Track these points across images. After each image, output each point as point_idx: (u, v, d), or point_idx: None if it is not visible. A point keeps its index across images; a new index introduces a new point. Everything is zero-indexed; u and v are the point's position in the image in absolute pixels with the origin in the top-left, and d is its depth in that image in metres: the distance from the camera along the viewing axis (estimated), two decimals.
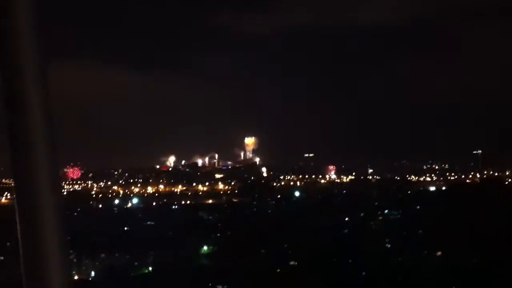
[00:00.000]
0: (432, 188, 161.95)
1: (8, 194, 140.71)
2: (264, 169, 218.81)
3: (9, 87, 2.53)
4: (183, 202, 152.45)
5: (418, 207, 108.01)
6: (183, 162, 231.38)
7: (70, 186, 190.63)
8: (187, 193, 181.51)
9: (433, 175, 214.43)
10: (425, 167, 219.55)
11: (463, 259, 64.71)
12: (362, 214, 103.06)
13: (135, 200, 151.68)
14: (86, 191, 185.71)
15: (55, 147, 2.60)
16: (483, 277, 58.86)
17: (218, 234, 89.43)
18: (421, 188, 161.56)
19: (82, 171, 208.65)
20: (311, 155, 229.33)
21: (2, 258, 65.38)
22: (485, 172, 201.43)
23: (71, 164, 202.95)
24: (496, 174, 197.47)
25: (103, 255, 76.54)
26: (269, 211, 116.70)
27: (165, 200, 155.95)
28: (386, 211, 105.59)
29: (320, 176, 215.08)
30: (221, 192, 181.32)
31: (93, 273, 73.74)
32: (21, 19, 2.51)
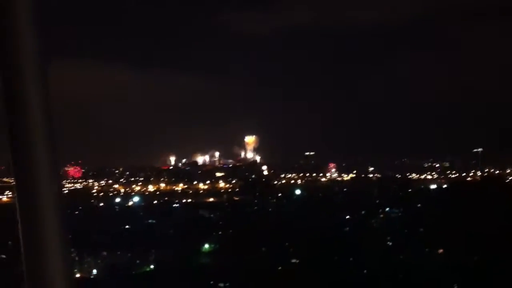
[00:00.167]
0: (433, 186, 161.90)
1: (9, 193, 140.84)
2: (265, 168, 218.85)
3: (9, 87, 2.52)
4: (184, 201, 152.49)
5: (419, 205, 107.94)
6: (184, 160, 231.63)
7: (72, 185, 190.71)
8: (188, 192, 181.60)
9: (434, 173, 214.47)
10: (426, 165, 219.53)
11: (464, 257, 64.71)
12: (363, 212, 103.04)
13: (136, 199, 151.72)
14: (87, 189, 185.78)
15: (56, 146, 2.60)
16: (484, 274, 58.85)
17: (219, 232, 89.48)
18: (422, 186, 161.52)
19: (83, 170, 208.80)
20: (311, 153, 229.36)
21: (4, 256, 65.49)
22: (486, 170, 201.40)
23: (72, 162, 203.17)
24: (497, 172, 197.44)
25: (104, 253, 76.65)
26: (270, 209, 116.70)
27: (166, 199, 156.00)
28: (387, 209, 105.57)
29: (321, 174, 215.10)
30: (222, 191, 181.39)
31: (95, 271, 73.87)
32: (21, 19, 2.51)
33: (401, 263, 67.11)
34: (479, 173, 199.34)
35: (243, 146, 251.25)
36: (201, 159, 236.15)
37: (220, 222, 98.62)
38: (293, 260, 70.79)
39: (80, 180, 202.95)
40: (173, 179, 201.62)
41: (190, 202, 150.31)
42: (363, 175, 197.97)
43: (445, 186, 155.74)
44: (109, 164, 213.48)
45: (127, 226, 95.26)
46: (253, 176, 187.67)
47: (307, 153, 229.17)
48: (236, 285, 61.91)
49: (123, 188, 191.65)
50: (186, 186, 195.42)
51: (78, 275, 67.23)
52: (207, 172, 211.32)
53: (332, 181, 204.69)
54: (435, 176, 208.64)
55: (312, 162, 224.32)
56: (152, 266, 74.33)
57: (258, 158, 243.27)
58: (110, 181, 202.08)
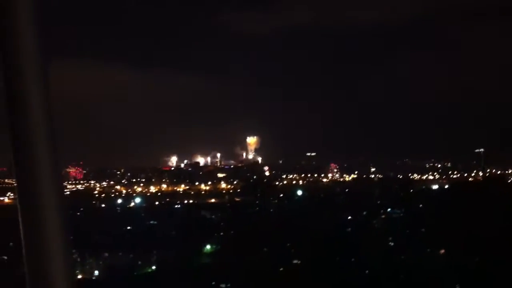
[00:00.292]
0: (435, 187, 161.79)
1: (11, 194, 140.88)
2: (266, 168, 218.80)
3: (10, 87, 2.52)
4: (185, 202, 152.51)
5: (420, 205, 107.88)
6: (185, 161, 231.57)
7: (73, 186, 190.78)
8: (190, 193, 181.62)
9: (435, 173, 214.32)
10: (427, 166, 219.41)
11: (466, 257, 64.63)
12: (364, 213, 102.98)
13: (137, 200, 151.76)
14: (89, 190, 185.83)
15: (57, 146, 2.59)
16: (485, 275, 58.79)
17: (221, 233, 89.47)
18: (424, 187, 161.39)
19: (85, 171, 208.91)
20: (313, 154, 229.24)
21: (5, 257, 65.51)
22: (488, 171, 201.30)
23: (73, 163, 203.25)
24: (499, 172, 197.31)
25: (106, 254, 76.65)
26: (272, 210, 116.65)
27: (167, 200, 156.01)
28: (388, 209, 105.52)
29: (322, 175, 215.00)
30: (224, 191, 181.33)
31: (96, 272, 73.86)
32: (21, 19, 2.51)
33: (402, 263, 67.05)
34: (481, 174, 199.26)
35: (244, 147, 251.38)
36: (202, 160, 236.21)
37: (222, 223, 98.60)
38: (295, 261, 70.76)
39: (82, 181, 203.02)
40: (175, 180, 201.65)
41: (191, 203, 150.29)
42: (364, 176, 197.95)
43: (446, 186, 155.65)
44: (111, 165, 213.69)
45: (128, 227, 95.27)
46: (255, 177, 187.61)
47: (309, 154, 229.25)
48: (238, 285, 61.90)
49: (125, 189, 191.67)
50: (187, 187, 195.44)
51: (79, 276, 67.27)
52: (208, 173, 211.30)
53: (333, 181, 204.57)
54: (437, 176, 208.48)
55: (314, 162, 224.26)
56: (153, 267, 74.33)
57: (259, 159, 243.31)
58: (112, 182, 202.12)
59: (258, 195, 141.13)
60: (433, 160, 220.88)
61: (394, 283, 60.51)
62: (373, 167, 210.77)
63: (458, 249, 67.79)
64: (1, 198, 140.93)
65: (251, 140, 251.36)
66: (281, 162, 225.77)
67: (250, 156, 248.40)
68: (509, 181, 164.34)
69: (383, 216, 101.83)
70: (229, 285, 62.83)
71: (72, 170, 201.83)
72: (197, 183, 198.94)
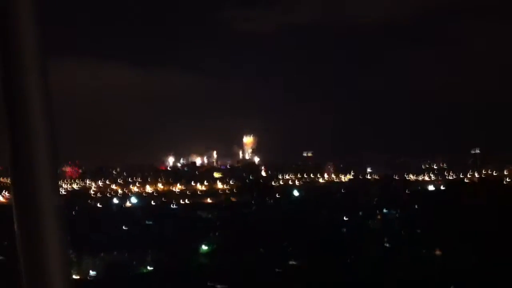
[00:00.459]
0: (431, 187, 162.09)
1: (6, 193, 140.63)
2: (262, 168, 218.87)
3: (9, 87, 2.51)
4: (182, 201, 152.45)
5: (416, 206, 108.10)
6: (181, 161, 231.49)
7: (69, 185, 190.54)
8: (186, 192, 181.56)
9: (431, 174, 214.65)
10: (423, 167, 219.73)
11: (461, 258, 64.76)
12: (360, 213, 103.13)
13: (134, 199, 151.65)
14: (85, 190, 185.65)
15: (55, 146, 2.58)
16: (481, 276, 58.91)
17: (217, 233, 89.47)
18: (419, 187, 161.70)
19: (81, 170, 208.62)
20: (309, 154, 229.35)
21: (1, 257, 65.40)
22: (484, 172, 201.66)
23: (70, 162, 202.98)
24: (495, 173, 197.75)
25: (102, 254, 76.54)
26: (268, 210, 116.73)
27: (164, 199, 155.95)
28: (384, 210, 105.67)
29: (319, 175, 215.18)
30: (220, 191, 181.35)
31: (92, 272, 73.76)
32: (22, 19, 2.50)
33: (398, 264, 67.13)
34: (477, 175, 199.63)
35: (241, 146, 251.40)
36: (199, 159, 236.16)
37: (218, 223, 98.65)
38: (291, 262, 70.80)
39: (78, 181, 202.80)
40: (171, 179, 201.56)
41: (188, 203, 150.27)
42: (361, 176, 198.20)
43: (442, 187, 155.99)
44: (107, 164, 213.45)
45: (124, 227, 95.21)
46: (251, 177, 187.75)
47: (305, 154, 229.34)
48: (234, 286, 61.88)
49: (121, 189, 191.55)
50: (184, 187, 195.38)
51: (75, 276, 67.18)
52: (205, 172, 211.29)
53: (330, 182, 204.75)
54: (433, 177, 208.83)
55: (310, 163, 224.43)
56: (150, 267, 74.26)
57: (256, 159, 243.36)
58: (108, 182, 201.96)
59: (255, 195, 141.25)
60: (429, 161, 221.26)
61: (389, 283, 60.58)
62: (370, 168, 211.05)
63: (453, 249, 67.94)
64: None
65: (248, 140, 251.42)
66: (277, 162, 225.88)
67: (247, 156, 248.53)
68: (504, 182, 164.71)
69: (379, 217, 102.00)
70: (225, 286, 62.80)
71: (68, 169, 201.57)
72: (193, 183, 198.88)
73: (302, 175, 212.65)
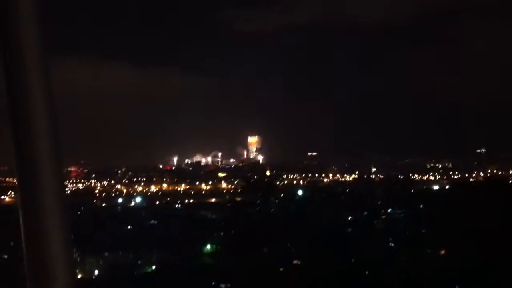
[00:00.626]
0: (436, 187, 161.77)
1: (12, 193, 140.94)
2: (267, 168, 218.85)
3: (12, 87, 2.51)
4: (186, 201, 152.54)
5: (421, 206, 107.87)
6: (186, 161, 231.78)
7: (74, 185, 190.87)
8: (190, 192, 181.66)
9: (436, 174, 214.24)
10: (428, 166, 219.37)
11: (467, 258, 64.59)
12: (365, 213, 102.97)
13: (138, 199, 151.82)
14: (90, 190, 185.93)
15: (59, 146, 2.59)
16: (487, 276, 58.75)
17: (221, 233, 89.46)
18: (425, 187, 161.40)
19: (86, 170, 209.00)
20: (314, 153, 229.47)
21: (5, 257, 65.55)
22: (489, 171, 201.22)
23: (75, 163, 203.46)
24: (500, 173, 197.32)
25: (106, 253, 76.63)
26: (272, 210, 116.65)
27: (168, 199, 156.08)
28: (389, 210, 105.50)
29: (323, 175, 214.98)
30: (224, 191, 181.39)
31: (96, 272, 73.86)
32: (23, 19, 2.50)
33: (403, 263, 67.04)
34: (482, 174, 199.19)
35: (245, 146, 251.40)
36: (203, 159, 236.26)
37: (222, 223, 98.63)
38: (295, 261, 70.76)
39: (82, 181, 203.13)
40: (176, 179, 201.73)
41: (192, 202, 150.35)
42: (365, 176, 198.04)
43: (447, 187, 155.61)
44: (111, 164, 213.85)
45: (129, 227, 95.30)
46: (256, 176, 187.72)
47: (310, 154, 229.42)
48: (238, 285, 61.90)
49: (125, 189, 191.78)
50: (188, 186, 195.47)
51: (80, 276, 67.29)
52: (209, 172, 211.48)
53: (334, 181, 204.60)
54: (438, 177, 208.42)
55: (315, 162, 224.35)
56: (154, 267, 74.33)
57: (260, 159, 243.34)
58: (113, 182, 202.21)
59: (259, 195, 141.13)
60: (434, 160, 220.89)
61: (394, 283, 60.47)
62: (374, 167, 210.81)
63: (459, 250, 67.77)
64: (2, 197, 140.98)
65: (252, 140, 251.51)
66: (282, 161, 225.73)
67: (251, 156, 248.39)
68: (510, 181, 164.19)
69: (383, 217, 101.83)
70: (229, 285, 62.84)
71: (73, 169, 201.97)
72: (197, 183, 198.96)
73: (307, 175, 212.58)
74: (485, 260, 63.19)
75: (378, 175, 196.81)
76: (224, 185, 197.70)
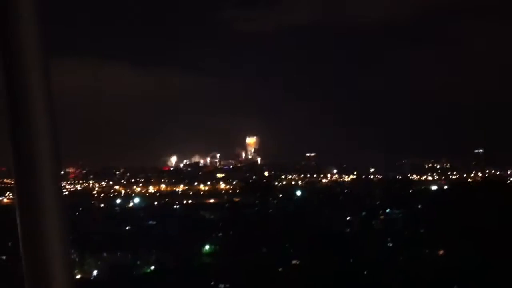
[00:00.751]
0: (434, 187, 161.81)
1: (10, 194, 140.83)
2: (265, 168, 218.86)
3: (11, 88, 2.51)
4: (184, 202, 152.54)
5: (420, 206, 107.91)
6: (184, 161, 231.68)
7: (72, 186, 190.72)
8: (189, 193, 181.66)
9: (434, 174, 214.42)
10: (426, 166, 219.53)
11: (465, 258, 64.63)
12: (363, 213, 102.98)
13: (136, 200, 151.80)
14: (88, 190, 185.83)
15: (58, 146, 2.58)
16: (485, 276, 58.80)
17: (220, 233, 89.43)
18: (423, 187, 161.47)
19: (84, 171, 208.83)
20: (312, 154, 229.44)
21: (3, 257, 65.49)
22: (487, 171, 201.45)
23: (73, 163, 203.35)
24: (498, 173, 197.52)
25: (105, 254, 76.60)
26: (271, 210, 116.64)
27: (166, 200, 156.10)
28: (388, 210, 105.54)
29: (322, 175, 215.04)
30: (223, 192, 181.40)
31: (95, 272, 73.83)
32: (23, 19, 2.50)
33: (401, 264, 67.07)
34: (480, 174, 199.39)
35: (244, 147, 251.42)
36: (201, 160, 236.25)
37: (221, 223, 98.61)
38: (294, 261, 70.76)
39: (81, 181, 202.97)
40: (174, 180, 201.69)
41: (190, 203, 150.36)
42: (363, 176, 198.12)
43: (446, 187, 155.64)
44: (110, 164, 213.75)
45: (127, 227, 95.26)
46: (254, 177, 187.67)
47: (308, 154, 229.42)
48: (237, 285, 61.89)
49: (124, 189, 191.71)
50: (186, 187, 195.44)
51: (78, 276, 67.23)
52: (208, 173, 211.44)
53: (333, 182, 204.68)
54: (436, 177, 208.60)
55: (313, 163, 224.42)
56: (152, 267, 74.31)
57: (258, 159, 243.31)
58: (111, 182, 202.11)
59: (257, 195, 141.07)
60: (432, 160, 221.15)
61: (393, 283, 60.50)
62: (372, 168, 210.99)
63: (457, 250, 67.80)
64: (0, 198, 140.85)
65: (251, 140, 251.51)
66: (280, 162, 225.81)
67: (250, 156, 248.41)
68: (508, 181, 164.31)
69: (382, 217, 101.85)
70: (227, 285, 62.82)
71: (72, 170, 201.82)
72: (196, 184, 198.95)
73: (305, 175, 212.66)
74: (483, 260, 63.21)
75: (376, 175, 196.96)
76: (222, 185, 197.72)
